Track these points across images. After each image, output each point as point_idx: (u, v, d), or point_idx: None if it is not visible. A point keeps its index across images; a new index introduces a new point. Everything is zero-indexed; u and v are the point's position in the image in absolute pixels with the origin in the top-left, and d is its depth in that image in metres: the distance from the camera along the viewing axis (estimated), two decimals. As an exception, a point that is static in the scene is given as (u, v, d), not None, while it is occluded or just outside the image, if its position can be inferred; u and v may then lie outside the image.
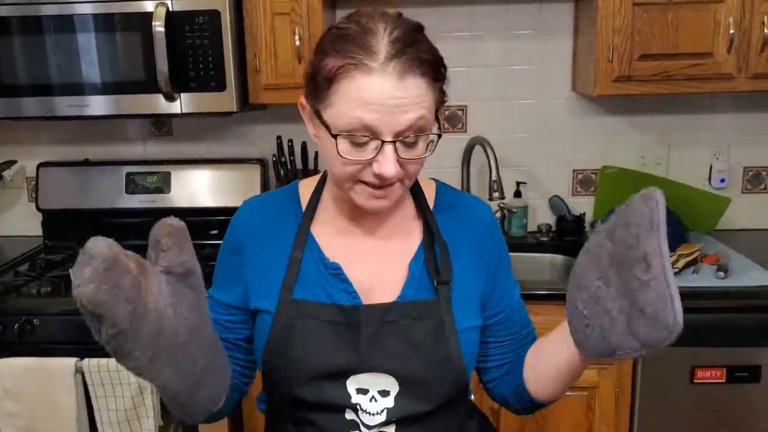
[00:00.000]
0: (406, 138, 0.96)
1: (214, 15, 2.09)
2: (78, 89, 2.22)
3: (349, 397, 1.03)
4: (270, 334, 1.04)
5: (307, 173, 2.51)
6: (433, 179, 1.21)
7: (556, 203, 2.58)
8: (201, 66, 2.13)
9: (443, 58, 1.01)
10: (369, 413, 1.02)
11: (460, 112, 2.58)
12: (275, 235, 1.09)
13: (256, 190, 2.56)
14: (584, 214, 2.57)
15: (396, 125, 0.94)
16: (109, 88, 2.21)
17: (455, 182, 2.59)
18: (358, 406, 1.03)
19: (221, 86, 2.15)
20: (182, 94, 2.17)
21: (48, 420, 2.00)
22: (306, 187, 1.14)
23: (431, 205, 1.14)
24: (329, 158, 1.00)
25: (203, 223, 2.55)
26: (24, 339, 2.02)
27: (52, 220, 2.64)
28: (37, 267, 2.35)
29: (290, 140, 2.49)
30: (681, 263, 2.13)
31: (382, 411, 1.03)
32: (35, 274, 2.29)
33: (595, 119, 2.55)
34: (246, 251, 1.09)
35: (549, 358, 1.09)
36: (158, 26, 2.06)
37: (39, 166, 2.62)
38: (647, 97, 2.45)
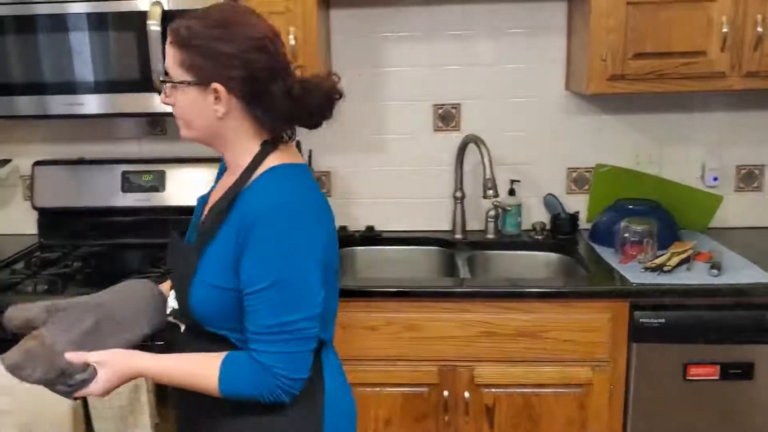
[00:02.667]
0: (167, 83, 1.28)
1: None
2: (72, 88, 2.22)
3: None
4: None
5: (302, 172, 2.51)
6: (281, 166, 1.31)
7: (550, 201, 2.59)
8: (196, 65, 2.13)
9: (188, 39, 1.23)
10: (168, 305, 1.42)
11: (453, 111, 2.58)
12: None
13: (251, 189, 2.56)
14: (578, 212, 2.58)
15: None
16: (103, 87, 2.21)
17: (449, 180, 2.61)
18: (169, 298, 1.42)
19: (216, 85, 2.15)
20: (177, 93, 2.17)
21: (42, 417, 2.00)
22: None
23: (251, 182, 1.29)
24: None
25: (198, 221, 2.55)
26: (21, 336, 2.01)
27: (48, 218, 2.65)
28: (32, 265, 2.35)
29: (285, 139, 2.50)
30: (674, 261, 2.14)
31: (172, 307, 1.40)
32: (31, 272, 2.29)
33: (588, 117, 2.56)
34: None
35: None
36: (153, 25, 2.06)
37: (34, 164, 2.62)
38: (641, 95, 2.46)
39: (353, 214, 2.68)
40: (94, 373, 1.30)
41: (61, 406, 1.97)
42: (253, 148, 1.31)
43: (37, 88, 2.23)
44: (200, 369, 1.27)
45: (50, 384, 1.30)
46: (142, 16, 2.09)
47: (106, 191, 2.59)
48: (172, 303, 1.40)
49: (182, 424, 1.49)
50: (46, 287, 2.15)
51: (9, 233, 2.75)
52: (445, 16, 2.52)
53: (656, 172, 2.56)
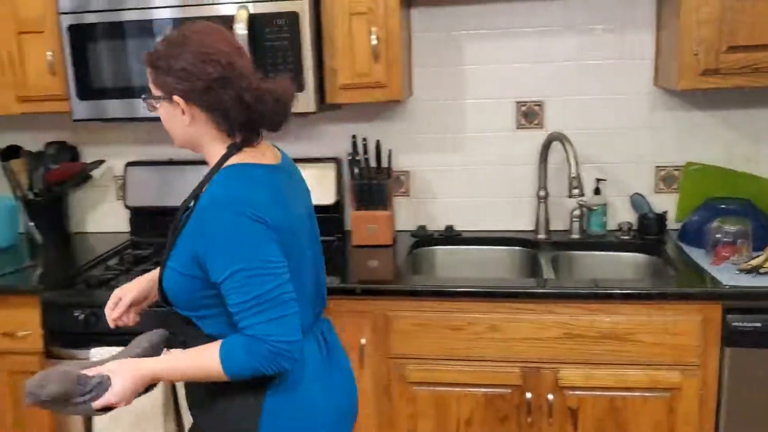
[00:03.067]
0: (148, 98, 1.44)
1: (293, 17, 2.13)
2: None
3: None
4: None
5: (380, 170, 2.53)
6: (235, 165, 1.41)
7: (637, 201, 2.52)
8: (280, 67, 2.17)
9: (154, 59, 1.39)
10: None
11: (537, 108, 2.54)
12: None
13: (331, 189, 2.60)
14: (666, 212, 2.50)
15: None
16: (192, 90, 2.27)
17: (532, 179, 2.57)
18: None
19: (299, 87, 2.18)
20: (262, 95, 2.21)
21: (136, 409, 2.08)
22: None
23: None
24: None
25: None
26: (114, 330, 2.10)
27: (139, 216, 2.76)
28: (125, 261, 2.45)
29: (365, 139, 2.52)
30: (771, 263, 2.05)
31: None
32: (124, 268, 2.39)
33: (678, 114, 2.47)
34: None
35: None
36: (240, 29, 2.11)
37: (126, 165, 2.74)
38: (734, 90, 2.36)
39: (432, 214, 2.68)
40: (108, 380, 1.38)
41: (154, 396, 2.05)
42: (221, 150, 1.43)
43: (127, 92, 2.32)
44: (203, 358, 1.36)
45: (68, 396, 1.36)
46: (229, 20, 2.14)
47: (191, 191, 2.66)
48: None
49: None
50: (138, 283, 2.23)
51: (103, 231, 2.88)
52: (528, 12, 2.48)
53: (753, 170, 2.45)
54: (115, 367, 1.40)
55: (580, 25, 2.47)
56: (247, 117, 1.40)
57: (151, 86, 1.42)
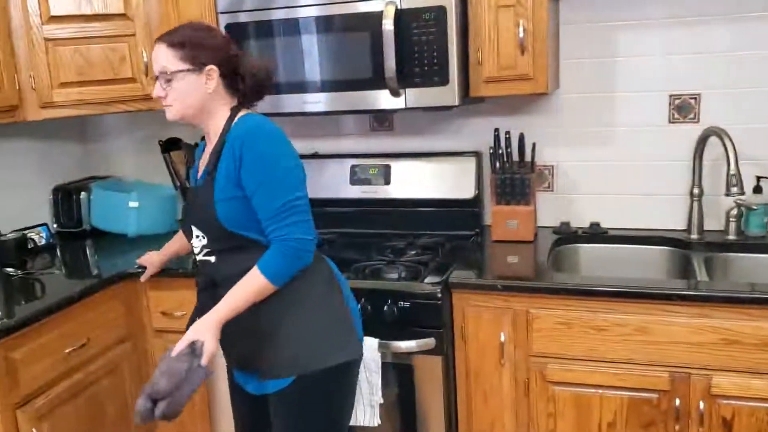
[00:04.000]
0: (162, 77, 1.73)
1: (440, 11, 2.14)
2: (306, 87, 2.37)
3: (191, 236, 1.83)
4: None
5: (523, 165, 2.49)
6: (249, 113, 1.81)
7: (802, 200, 2.34)
8: (426, 62, 2.19)
9: (183, 41, 1.72)
10: (196, 246, 1.82)
11: (692, 101, 2.41)
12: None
13: (471, 182, 2.60)
14: (837, 213, 2.30)
15: (156, 69, 1.75)
16: (335, 86, 2.34)
17: (684, 176, 2.44)
18: (192, 243, 1.83)
19: (444, 80, 2.19)
20: (406, 90, 2.24)
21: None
22: None
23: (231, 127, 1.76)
24: None
25: (419, 213, 2.64)
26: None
27: (285, 207, 2.86)
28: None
29: (508, 132, 2.49)
30: None
31: (200, 246, 1.80)
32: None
33: None
34: None
35: None
36: (387, 25, 2.14)
37: (275, 158, 2.85)
38: None
39: (576, 210, 2.61)
40: (196, 342, 1.62)
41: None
42: (227, 113, 1.78)
43: (275, 88, 2.40)
44: (249, 283, 1.68)
45: (180, 377, 1.57)
46: (377, 16, 2.18)
47: (336, 183, 2.75)
48: (199, 243, 1.79)
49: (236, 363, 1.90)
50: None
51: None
52: (679, 1, 2.36)
53: None
54: (193, 333, 1.64)
55: (741, 13, 2.31)
56: (254, 82, 1.79)
57: (175, 63, 1.71)
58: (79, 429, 2.21)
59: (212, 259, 1.79)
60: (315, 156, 2.82)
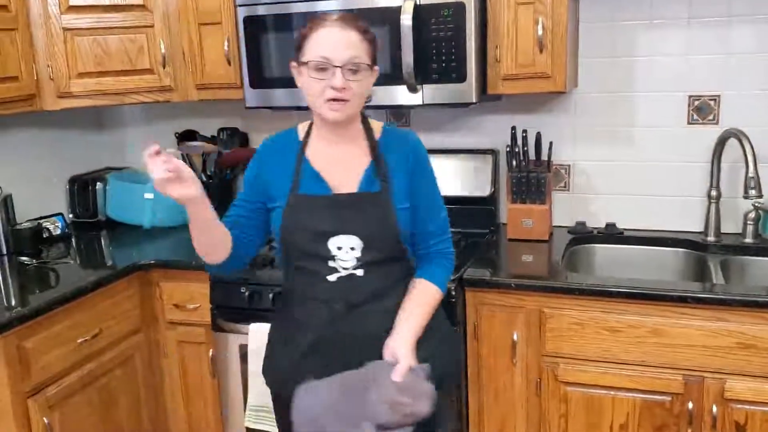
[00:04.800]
0: (348, 66, 1.53)
1: (459, 7, 2.13)
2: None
3: (330, 251, 1.61)
4: (284, 216, 1.63)
5: (539, 163, 2.47)
6: (387, 123, 1.79)
7: (822, 205, 2.31)
8: (444, 58, 2.18)
9: (372, 34, 1.60)
10: (343, 260, 1.62)
11: (711, 102, 2.39)
12: (281, 160, 1.69)
13: (487, 180, 2.58)
14: None
15: (341, 56, 1.52)
16: (354, 80, 2.33)
17: (702, 178, 2.42)
18: (338, 258, 1.61)
19: (462, 77, 2.18)
20: (424, 86, 2.23)
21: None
22: (301, 128, 1.73)
23: (377, 136, 1.69)
24: (306, 87, 1.59)
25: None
26: (275, 306, 2.21)
27: (300, 202, 2.86)
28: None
29: (524, 130, 2.48)
30: None
31: (352, 259, 1.61)
32: (285, 250, 2.49)
33: None
34: (263, 171, 1.71)
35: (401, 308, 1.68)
36: (406, 20, 2.13)
37: (290, 152, 2.85)
38: None
39: (593, 210, 2.59)
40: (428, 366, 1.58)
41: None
42: (359, 117, 1.69)
43: (293, 82, 2.39)
44: (429, 297, 1.67)
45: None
46: (396, 11, 2.17)
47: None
48: (349, 256, 1.62)
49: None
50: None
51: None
52: (700, 1, 2.33)
53: None
54: (404, 353, 1.57)
55: (762, 14, 2.28)
56: None
57: (366, 57, 1.57)
58: (90, 419, 2.22)
59: (360, 272, 1.62)
60: (330, 151, 2.81)
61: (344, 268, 1.62)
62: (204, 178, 2.91)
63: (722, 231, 2.40)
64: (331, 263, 1.62)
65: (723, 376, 1.92)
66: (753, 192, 2.09)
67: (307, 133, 1.71)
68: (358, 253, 1.61)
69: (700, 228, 2.45)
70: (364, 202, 1.62)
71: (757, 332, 1.87)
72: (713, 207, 2.39)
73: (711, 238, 2.39)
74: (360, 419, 1.50)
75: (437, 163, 2.60)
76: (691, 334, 1.93)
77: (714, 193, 2.38)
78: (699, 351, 1.93)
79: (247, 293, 2.26)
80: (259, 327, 2.19)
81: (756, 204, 2.32)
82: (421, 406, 1.49)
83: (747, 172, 2.10)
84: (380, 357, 1.60)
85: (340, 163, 1.66)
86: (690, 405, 1.95)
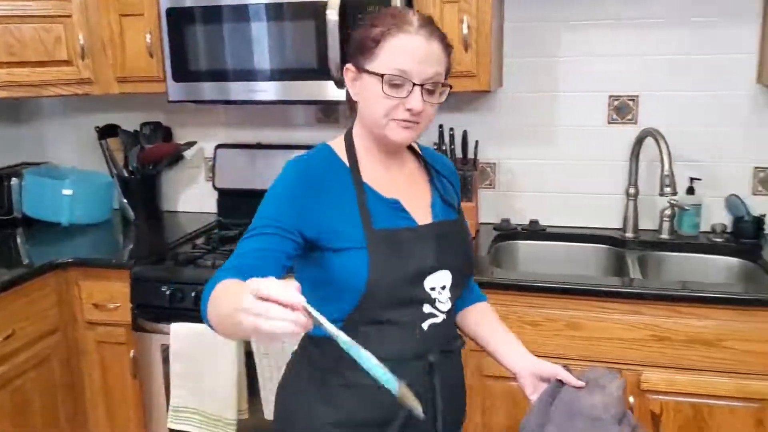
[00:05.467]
0: (427, 85, 1.28)
1: (385, 3, 2.13)
2: (252, 75, 2.33)
3: (428, 293, 1.35)
4: (371, 260, 1.28)
5: (465, 162, 2.50)
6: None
7: (733, 202, 2.41)
8: (370, 53, 2.18)
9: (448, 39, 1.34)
10: (441, 302, 1.37)
11: (630, 102, 2.46)
12: (335, 187, 1.33)
13: (416, 177, 2.59)
14: (765, 215, 2.38)
15: (423, 73, 1.27)
16: (281, 75, 2.31)
17: (621, 176, 2.49)
18: (437, 300, 1.36)
19: (388, 73, 2.18)
20: (350, 81, 2.22)
21: (211, 383, 2.14)
22: (337, 148, 1.40)
23: (421, 153, 1.50)
24: (371, 101, 1.29)
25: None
26: (198, 307, 2.16)
27: (227, 198, 2.83)
28: (211, 241, 2.52)
29: (451, 129, 2.50)
30: None
31: (446, 300, 1.38)
32: (210, 247, 2.45)
33: (782, 113, 2.35)
34: (313, 197, 1.30)
35: (487, 340, 1.53)
36: (332, 15, 2.12)
37: (216, 147, 2.81)
38: None
39: (516, 207, 2.64)
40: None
41: (228, 376, 2.10)
42: None
43: (221, 75, 2.37)
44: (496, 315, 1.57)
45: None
46: (322, 6, 2.15)
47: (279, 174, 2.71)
48: (443, 296, 1.38)
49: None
50: (223, 263, 2.28)
51: (192, 211, 2.97)
52: (624, 2, 2.40)
53: None
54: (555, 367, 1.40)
55: (680, 18, 2.37)
56: None
57: (443, 74, 1.31)
58: (2, 423, 2.13)
59: (448, 307, 1.40)
60: (258, 147, 2.78)
61: (441, 312, 1.38)
62: (126, 174, 2.83)
63: (640, 227, 2.48)
64: (426, 308, 1.35)
65: (639, 368, 1.98)
66: (668, 189, 2.16)
67: (351, 155, 1.38)
68: (449, 292, 1.39)
69: (619, 225, 2.53)
70: (449, 232, 1.41)
71: (671, 325, 1.93)
72: (631, 204, 2.46)
73: (629, 235, 2.46)
74: None
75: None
76: (608, 327, 1.98)
77: (632, 190, 2.45)
78: (616, 344, 1.99)
79: (168, 292, 2.21)
80: (182, 327, 2.16)
81: (671, 201, 2.40)
82: (614, 386, 1.32)
83: (662, 170, 2.17)
84: (464, 404, 1.51)
85: (407, 188, 1.41)
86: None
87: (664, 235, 2.44)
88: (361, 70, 1.30)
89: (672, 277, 2.36)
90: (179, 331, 2.16)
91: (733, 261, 2.32)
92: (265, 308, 0.91)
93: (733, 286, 2.21)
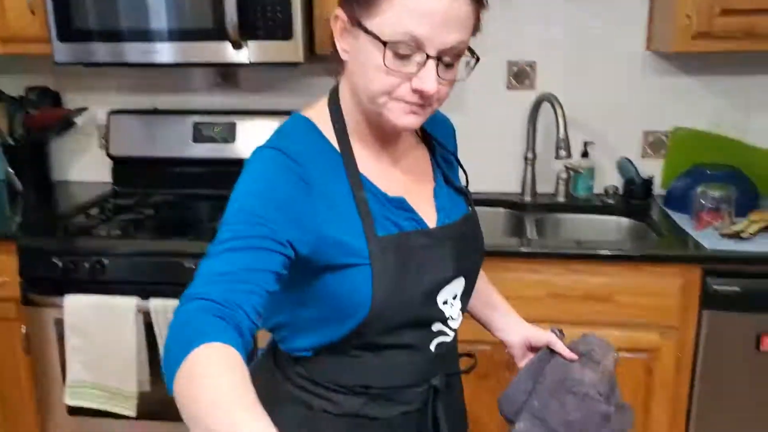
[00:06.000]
0: (446, 57, 0.98)
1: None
2: (147, 35, 2.23)
3: (441, 310, 1.10)
4: (376, 278, 1.00)
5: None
6: None
7: (624, 165, 2.51)
8: (269, 13, 2.13)
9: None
10: (453, 318, 1.13)
11: (528, 69, 2.51)
12: (325, 183, 1.02)
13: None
14: (653, 177, 2.49)
15: (442, 42, 0.95)
16: (177, 35, 2.22)
17: (520, 141, 2.55)
18: (449, 318, 1.12)
19: (288, 35, 2.14)
20: (249, 42, 2.16)
21: (109, 356, 2.08)
22: (321, 123, 1.08)
23: None
24: (367, 71, 0.98)
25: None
26: (94, 278, 2.09)
27: (122, 166, 2.71)
28: (106, 210, 2.42)
29: (354, 94, 2.48)
30: (753, 229, 2.05)
31: (458, 314, 1.14)
32: (105, 217, 2.36)
33: (669, 79, 2.46)
34: (308, 194, 0.99)
35: (478, 312, 1.39)
36: (228, -28, 2.06)
37: (109, 113, 2.68)
38: (726, 56, 2.35)
39: (420, 172, 2.66)
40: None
41: (128, 348, 2.05)
42: None
43: (114, 36, 2.25)
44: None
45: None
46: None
47: (177, 141, 2.63)
48: (454, 310, 1.14)
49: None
50: (119, 232, 2.21)
51: (85, 180, 2.83)
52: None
53: (740, 136, 2.45)
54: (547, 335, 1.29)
55: (575, -15, 2.44)
56: None
57: (467, 40, 1.01)
58: None
59: (459, 323, 1.17)
60: (155, 112, 2.68)
61: (453, 329, 1.15)
62: (11, 142, 2.67)
63: (538, 191, 2.55)
64: (436, 327, 1.11)
65: (537, 325, 2.04)
66: (563, 153, 2.23)
67: (342, 136, 1.08)
68: (459, 303, 1.14)
69: (517, 189, 2.59)
70: (467, 230, 1.17)
71: (567, 282, 2.01)
72: (529, 169, 2.53)
73: (528, 198, 2.53)
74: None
75: (267, 124, 2.58)
76: (507, 286, 2.02)
77: (530, 155, 2.52)
78: (513, 303, 2.02)
79: (61, 264, 2.11)
80: (76, 299, 2.07)
81: (567, 165, 2.48)
82: (608, 361, 1.22)
83: (558, 135, 2.24)
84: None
85: (408, 177, 1.14)
86: (507, 353, 2.06)
87: (561, 198, 2.52)
88: (356, 23, 0.98)
89: (568, 237, 2.45)
90: (74, 304, 2.07)
91: (624, 221, 2.43)
92: None
93: (624, 243, 2.31)
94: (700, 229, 2.13)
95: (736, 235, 2.03)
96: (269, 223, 0.94)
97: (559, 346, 1.24)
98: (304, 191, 0.99)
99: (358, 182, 1.05)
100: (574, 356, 1.22)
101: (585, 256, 2.00)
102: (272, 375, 1.16)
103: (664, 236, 2.14)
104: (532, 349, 1.31)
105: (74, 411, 2.18)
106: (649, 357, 2.02)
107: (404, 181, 1.12)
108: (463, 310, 1.17)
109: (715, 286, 1.95)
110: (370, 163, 1.09)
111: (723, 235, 2.05)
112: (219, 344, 0.82)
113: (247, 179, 0.99)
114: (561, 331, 1.29)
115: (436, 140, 1.20)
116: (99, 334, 2.07)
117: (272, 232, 0.94)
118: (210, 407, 0.75)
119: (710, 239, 2.04)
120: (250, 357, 0.88)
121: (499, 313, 1.38)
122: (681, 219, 2.24)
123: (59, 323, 2.14)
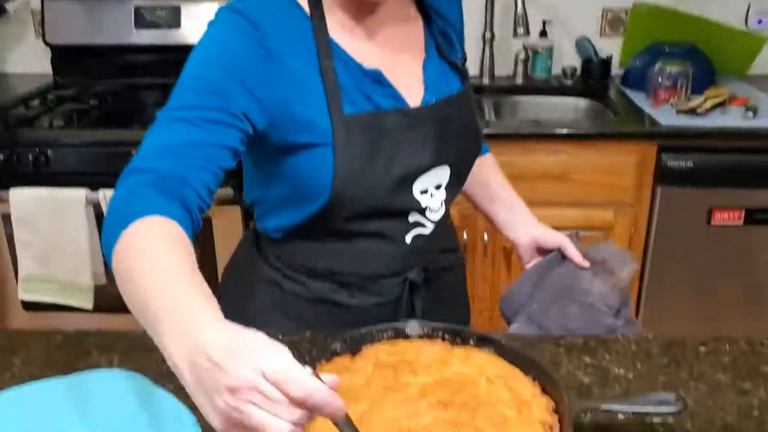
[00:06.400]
0: None
1: None
2: None
3: (416, 200, 1.02)
4: (338, 160, 0.93)
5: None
6: None
7: (582, 44, 2.47)
8: None
9: None
10: (432, 210, 1.04)
11: (485, -57, 2.41)
12: (290, 49, 0.92)
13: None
14: (612, 56, 2.46)
15: None
16: None
17: (479, 16, 2.46)
18: (427, 208, 1.03)
19: None
20: None
21: (61, 249, 2.03)
22: None
23: None
24: None
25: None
26: (39, 170, 2.01)
27: (61, 55, 2.57)
28: (48, 102, 2.31)
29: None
30: (708, 105, 2.05)
31: (439, 205, 1.05)
32: (47, 108, 2.25)
33: (629, -47, 2.39)
34: (269, 58, 0.91)
35: (478, 199, 1.27)
36: None
37: (44, -3, 2.52)
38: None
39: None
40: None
41: (80, 240, 2.00)
42: None
43: None
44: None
45: None
46: None
47: (119, 28, 2.49)
48: (436, 200, 1.05)
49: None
50: (62, 123, 2.12)
51: (22, 72, 2.68)
52: None
53: (698, 11, 2.40)
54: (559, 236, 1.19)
55: None
56: None
57: None
58: None
59: (440, 216, 1.07)
60: (92, -3, 2.53)
61: (432, 221, 1.06)
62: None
63: (496, 74, 2.50)
64: (413, 217, 1.04)
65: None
66: (521, 30, 2.18)
67: (312, 1, 0.96)
68: (443, 194, 1.06)
69: (476, 72, 2.53)
70: (454, 113, 1.04)
71: (525, 162, 2.00)
72: (488, 50, 2.46)
73: (486, 81, 2.48)
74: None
75: (213, 8, 2.41)
76: (465, 167, 2.02)
77: (488, 35, 2.45)
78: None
79: (2, 157, 2.02)
80: (22, 192, 2.00)
81: (525, 44, 2.43)
82: (624, 273, 1.13)
83: (516, 11, 2.18)
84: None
85: (388, 49, 1.01)
86: (465, 235, 2.08)
87: (519, 80, 2.48)
88: None
89: (527, 118, 2.43)
90: (20, 197, 2.00)
91: (582, 101, 2.41)
92: (273, 405, 0.55)
93: (581, 123, 2.30)
94: (657, 106, 2.13)
95: (692, 111, 2.03)
96: (223, 93, 0.87)
97: (571, 251, 1.14)
98: (263, 58, 0.90)
99: (326, 49, 0.94)
100: (585, 264, 1.13)
101: (542, 136, 1.99)
102: (251, 255, 1.14)
103: (621, 114, 2.13)
104: (542, 251, 1.20)
105: (30, 306, 2.15)
106: (603, 235, 2.05)
107: (385, 53, 1.00)
108: (448, 201, 1.07)
109: (670, 162, 1.96)
110: (345, 31, 0.97)
111: (679, 112, 2.05)
112: (162, 217, 0.77)
113: (203, 43, 0.92)
114: (577, 235, 1.19)
115: (434, 9, 1.06)
116: (48, 227, 2.01)
117: (226, 103, 0.87)
118: (152, 287, 0.68)
119: (666, 116, 2.04)
120: (196, 237, 0.84)
121: (504, 208, 1.25)
122: (638, 97, 2.23)
123: (6, 218, 2.07)
